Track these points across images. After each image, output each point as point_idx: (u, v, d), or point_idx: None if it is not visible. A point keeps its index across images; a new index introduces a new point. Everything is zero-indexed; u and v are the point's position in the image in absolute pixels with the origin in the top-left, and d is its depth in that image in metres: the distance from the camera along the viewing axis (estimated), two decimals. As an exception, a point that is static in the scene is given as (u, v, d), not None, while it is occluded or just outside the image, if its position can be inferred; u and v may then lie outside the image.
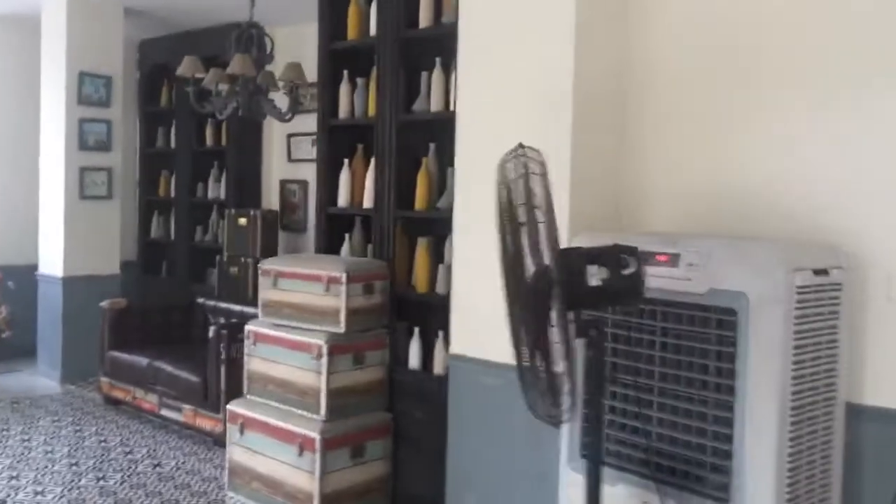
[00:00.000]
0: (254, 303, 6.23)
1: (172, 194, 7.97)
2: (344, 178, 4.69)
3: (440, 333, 4.17)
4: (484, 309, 3.49)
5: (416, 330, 4.30)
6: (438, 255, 4.32)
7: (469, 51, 3.67)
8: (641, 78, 3.47)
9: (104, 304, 5.98)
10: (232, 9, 6.81)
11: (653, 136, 3.45)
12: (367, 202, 4.56)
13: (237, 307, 6.09)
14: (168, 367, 5.42)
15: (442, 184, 4.31)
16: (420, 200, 4.30)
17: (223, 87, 6.02)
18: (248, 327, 4.39)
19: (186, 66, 5.57)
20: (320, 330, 4.05)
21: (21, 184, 7.27)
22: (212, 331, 5.08)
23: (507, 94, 3.48)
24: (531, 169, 2.20)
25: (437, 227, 4.34)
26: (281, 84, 5.66)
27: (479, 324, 3.61)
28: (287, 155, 7.37)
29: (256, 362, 4.32)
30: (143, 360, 5.63)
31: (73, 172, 6.50)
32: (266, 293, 4.30)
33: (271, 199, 7.54)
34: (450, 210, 3.99)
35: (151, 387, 5.55)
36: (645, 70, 3.47)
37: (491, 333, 3.49)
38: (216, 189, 7.58)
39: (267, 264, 4.33)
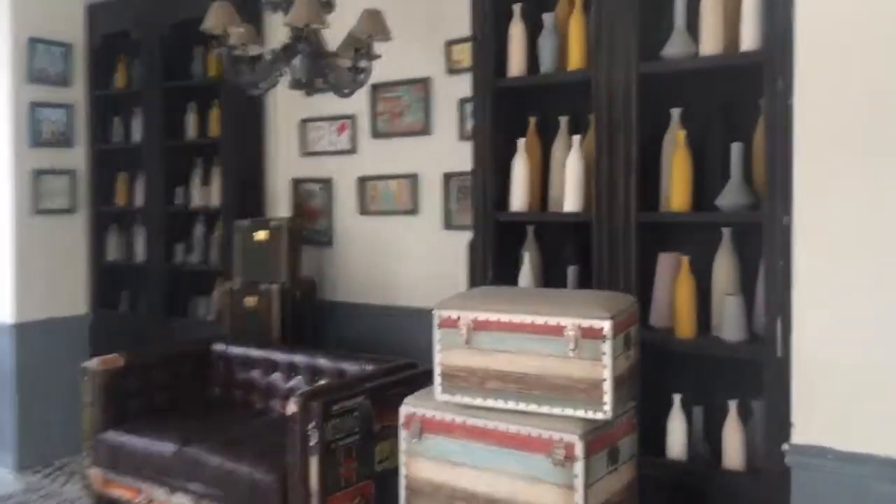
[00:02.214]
0: (295, 348, 4.51)
1: (138, 203, 6.03)
2: (520, 167, 3.04)
3: (731, 404, 2.61)
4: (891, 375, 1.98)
5: (677, 398, 2.73)
6: (702, 278, 2.77)
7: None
8: None
9: (92, 364, 4.08)
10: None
11: None
12: (571, 202, 2.93)
13: (281, 356, 4.32)
14: (214, 458, 3.59)
15: (703, 170, 2.75)
16: (678, 196, 2.71)
17: (255, 50, 4.25)
18: (409, 409, 2.69)
19: (217, 18, 3.78)
20: (564, 415, 2.41)
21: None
22: (294, 404, 3.32)
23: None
24: None
25: (698, 237, 2.79)
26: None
27: (878, 399, 2.09)
28: (301, 146, 5.60)
29: (426, 466, 2.63)
30: (166, 446, 3.78)
31: (25, 177, 4.55)
32: (450, 354, 2.59)
33: (277, 204, 5.74)
34: (741, 211, 2.44)
35: (182, 485, 3.72)
36: None
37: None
38: (204, 194, 5.72)
39: (451, 308, 2.62)
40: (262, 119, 5.66)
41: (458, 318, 2.55)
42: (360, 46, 4.05)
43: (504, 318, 2.48)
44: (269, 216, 5.60)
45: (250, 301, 4.95)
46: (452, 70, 4.86)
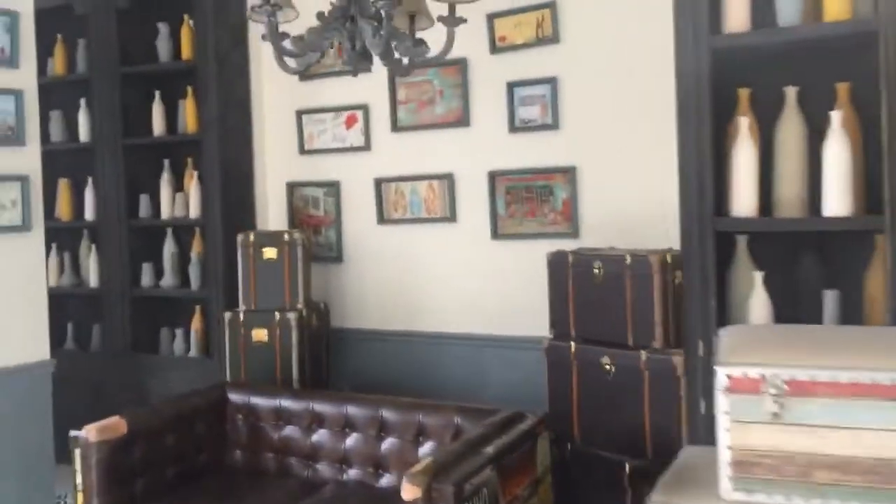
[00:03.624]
0: (345, 396, 3.48)
1: (88, 215, 4.86)
2: (745, 156, 2.21)
3: None
4: None
5: None
6: None
7: None
8: None
9: (87, 433, 2.98)
10: None
11: None
12: (837, 203, 2.12)
13: (327, 407, 3.32)
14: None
15: None
16: None
17: (282, 14, 3.22)
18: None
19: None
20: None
21: None
22: (414, 485, 2.38)
23: None
24: None
25: None
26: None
27: None
28: (299, 144, 4.60)
29: None
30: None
31: (-35, 186, 3.38)
32: (747, 432, 1.72)
33: (268, 213, 4.71)
34: None
35: None
36: None
37: None
38: (179, 203, 4.62)
39: (747, 362, 1.74)
40: (248, 111, 4.61)
41: (763, 378, 1.69)
42: (417, 11, 3.13)
43: (845, 376, 1.63)
44: (260, 228, 4.57)
45: (260, 334, 3.92)
46: (498, 48, 4.00)
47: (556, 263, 3.45)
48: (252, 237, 3.93)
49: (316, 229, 4.50)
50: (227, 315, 3.95)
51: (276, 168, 4.65)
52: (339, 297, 4.45)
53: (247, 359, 3.93)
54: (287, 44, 2.95)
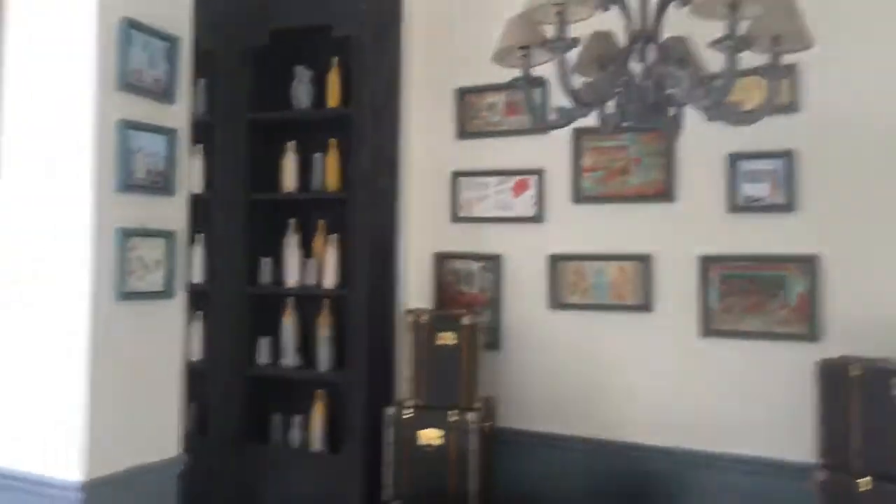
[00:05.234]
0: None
1: (196, 278, 4.13)
2: None
3: None
4: None
5: None
6: None
7: None
8: None
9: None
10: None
11: None
12: None
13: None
14: None
15: None
16: None
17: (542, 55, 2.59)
18: None
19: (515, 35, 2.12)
20: None
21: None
22: None
23: None
24: None
25: None
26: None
27: None
28: (452, 210, 3.93)
29: None
30: None
31: (106, 240, 2.64)
32: None
33: (409, 286, 4.01)
34: None
35: None
36: None
37: None
38: (311, 270, 3.91)
39: None
40: (396, 170, 3.95)
41: None
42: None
43: None
44: (408, 305, 3.87)
45: (430, 435, 3.18)
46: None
47: (832, 376, 2.79)
48: (426, 317, 3.22)
49: (467, 309, 3.79)
50: (390, 411, 3.21)
51: (422, 236, 3.97)
52: (495, 392, 3.74)
53: (410, 465, 3.18)
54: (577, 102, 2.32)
